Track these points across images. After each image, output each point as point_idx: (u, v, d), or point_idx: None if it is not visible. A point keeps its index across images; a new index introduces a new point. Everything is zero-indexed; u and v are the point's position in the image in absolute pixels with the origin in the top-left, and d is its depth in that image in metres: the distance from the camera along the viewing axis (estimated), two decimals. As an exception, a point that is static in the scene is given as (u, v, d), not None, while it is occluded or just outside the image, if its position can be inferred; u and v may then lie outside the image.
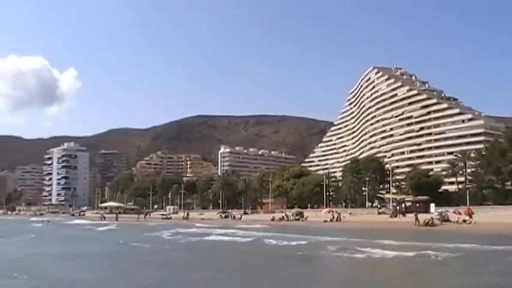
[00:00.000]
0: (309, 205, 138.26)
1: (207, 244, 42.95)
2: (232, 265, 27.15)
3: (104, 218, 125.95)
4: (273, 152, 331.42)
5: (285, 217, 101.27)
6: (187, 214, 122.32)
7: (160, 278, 21.36)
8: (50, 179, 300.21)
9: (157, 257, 31.17)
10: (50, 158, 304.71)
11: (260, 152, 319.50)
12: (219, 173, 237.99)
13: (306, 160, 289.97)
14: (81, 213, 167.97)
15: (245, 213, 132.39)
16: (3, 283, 20.24)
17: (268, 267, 26.24)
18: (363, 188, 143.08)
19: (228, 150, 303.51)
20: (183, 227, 74.34)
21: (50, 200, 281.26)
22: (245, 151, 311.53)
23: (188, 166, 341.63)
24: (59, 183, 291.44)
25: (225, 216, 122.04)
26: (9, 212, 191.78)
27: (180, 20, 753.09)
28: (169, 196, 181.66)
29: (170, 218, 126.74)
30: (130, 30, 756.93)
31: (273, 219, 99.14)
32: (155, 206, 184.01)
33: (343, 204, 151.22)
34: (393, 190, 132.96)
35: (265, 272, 24.04)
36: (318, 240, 42.85)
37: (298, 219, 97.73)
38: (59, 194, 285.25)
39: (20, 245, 43.82)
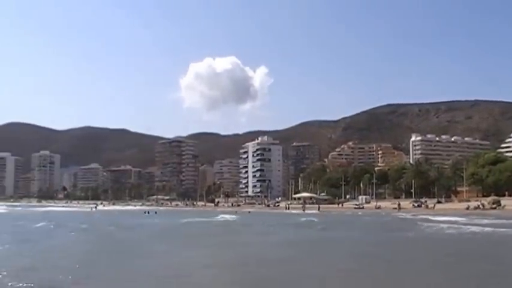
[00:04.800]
0: (506, 193, 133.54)
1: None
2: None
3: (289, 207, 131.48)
4: (466, 139, 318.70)
5: (480, 206, 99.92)
6: (399, 204, 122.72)
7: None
8: (246, 171, 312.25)
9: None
10: (246, 152, 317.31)
11: (453, 139, 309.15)
12: (411, 162, 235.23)
13: (502, 146, 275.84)
14: (276, 204, 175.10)
15: (438, 202, 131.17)
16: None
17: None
18: None
19: (419, 138, 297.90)
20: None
21: (247, 191, 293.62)
22: (437, 138, 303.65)
23: (379, 156, 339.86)
24: (254, 176, 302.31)
25: (418, 206, 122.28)
26: (215, 204, 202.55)
27: (374, 7, 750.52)
28: (361, 186, 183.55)
29: (363, 208, 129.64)
30: (319, 24, 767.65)
31: (467, 208, 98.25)
32: (347, 196, 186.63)
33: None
34: None
35: None
36: None
37: (495, 208, 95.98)
38: (254, 186, 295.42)
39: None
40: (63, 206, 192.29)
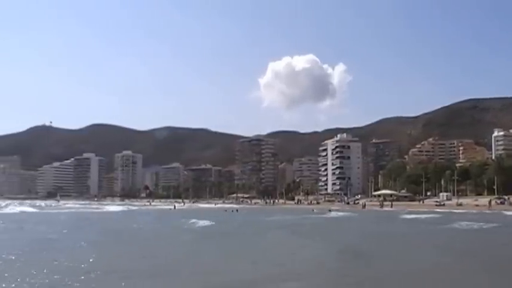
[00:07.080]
0: None
1: None
2: None
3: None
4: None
5: None
6: (490, 201, 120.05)
7: None
8: (325, 169, 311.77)
9: None
10: (325, 150, 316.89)
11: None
12: (493, 158, 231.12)
13: None
14: (356, 202, 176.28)
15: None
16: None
17: None
18: None
19: (502, 133, 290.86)
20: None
21: (326, 189, 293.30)
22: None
23: (460, 152, 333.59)
24: (333, 173, 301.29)
25: (501, 202, 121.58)
26: (295, 202, 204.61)
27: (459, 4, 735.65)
28: (442, 183, 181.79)
29: (444, 205, 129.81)
30: (397, 19, 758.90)
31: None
32: (428, 193, 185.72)
33: None
34: None
35: None
36: None
37: None
38: (334, 184, 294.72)
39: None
40: (144, 205, 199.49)
